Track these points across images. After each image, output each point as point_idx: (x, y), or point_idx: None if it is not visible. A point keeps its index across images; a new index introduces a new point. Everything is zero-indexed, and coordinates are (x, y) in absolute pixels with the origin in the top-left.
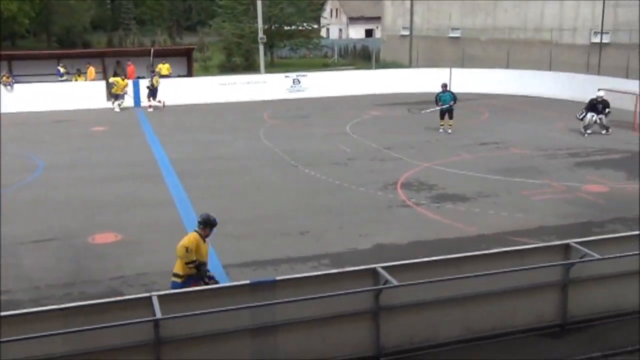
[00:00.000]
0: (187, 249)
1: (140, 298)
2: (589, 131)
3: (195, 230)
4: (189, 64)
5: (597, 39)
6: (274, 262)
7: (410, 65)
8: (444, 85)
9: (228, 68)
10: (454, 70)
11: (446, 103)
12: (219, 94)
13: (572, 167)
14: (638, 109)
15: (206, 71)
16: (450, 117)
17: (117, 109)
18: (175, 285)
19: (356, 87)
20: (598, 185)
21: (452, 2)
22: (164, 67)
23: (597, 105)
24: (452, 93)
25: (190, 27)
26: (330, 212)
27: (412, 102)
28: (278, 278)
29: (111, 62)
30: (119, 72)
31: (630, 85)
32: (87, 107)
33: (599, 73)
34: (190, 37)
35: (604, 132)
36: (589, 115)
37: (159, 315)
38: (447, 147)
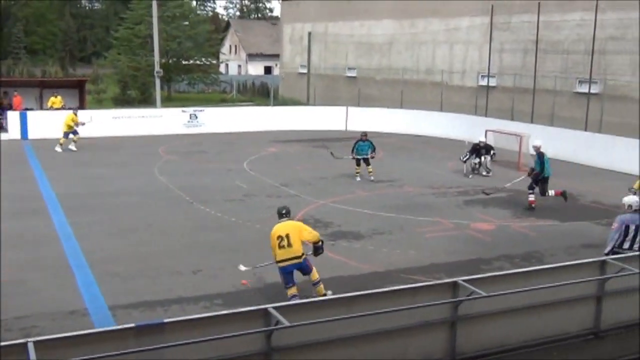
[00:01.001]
0: None
1: (13, 344)
2: (471, 175)
3: (287, 220)
4: (81, 96)
5: (484, 82)
6: (164, 302)
7: (308, 103)
8: (364, 134)
9: (123, 101)
10: (350, 108)
11: (363, 152)
12: (113, 128)
13: (461, 205)
14: (522, 150)
15: (100, 104)
16: (368, 164)
17: (73, 147)
18: (301, 265)
19: (254, 123)
20: (486, 223)
21: (348, 42)
22: (56, 101)
23: (480, 150)
24: (371, 142)
25: (84, 59)
26: (225, 250)
27: (308, 140)
28: (166, 320)
29: None
30: (5, 102)
31: (515, 126)
32: None
33: (486, 115)
34: (84, 69)
35: (484, 173)
36: (472, 158)
37: None
38: (343, 185)
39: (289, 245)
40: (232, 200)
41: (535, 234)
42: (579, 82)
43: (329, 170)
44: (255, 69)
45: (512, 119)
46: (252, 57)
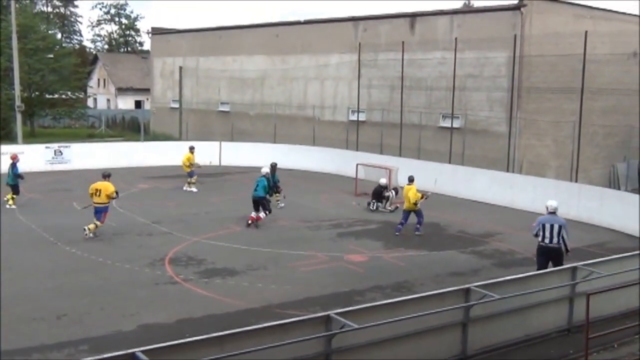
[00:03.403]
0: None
1: None
2: (390, 208)
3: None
4: None
5: (354, 117)
6: (25, 351)
7: (180, 138)
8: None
9: None
10: (223, 143)
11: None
12: None
13: (335, 238)
14: (392, 182)
15: None
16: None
17: (194, 189)
18: (102, 210)
19: (124, 159)
20: (359, 254)
21: (220, 77)
22: None
23: (383, 191)
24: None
25: None
26: (92, 293)
27: (181, 175)
28: None
29: None
30: None
31: (384, 159)
32: None
33: (357, 149)
34: None
35: (390, 209)
36: (378, 204)
37: None
38: (217, 220)
39: (99, 196)
40: (99, 240)
41: (405, 264)
42: (442, 116)
43: (202, 207)
44: (125, 104)
45: (382, 153)
46: (121, 91)
